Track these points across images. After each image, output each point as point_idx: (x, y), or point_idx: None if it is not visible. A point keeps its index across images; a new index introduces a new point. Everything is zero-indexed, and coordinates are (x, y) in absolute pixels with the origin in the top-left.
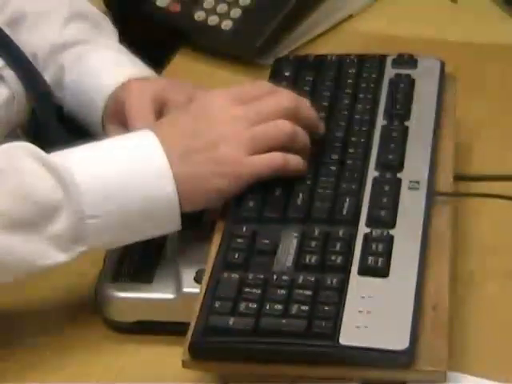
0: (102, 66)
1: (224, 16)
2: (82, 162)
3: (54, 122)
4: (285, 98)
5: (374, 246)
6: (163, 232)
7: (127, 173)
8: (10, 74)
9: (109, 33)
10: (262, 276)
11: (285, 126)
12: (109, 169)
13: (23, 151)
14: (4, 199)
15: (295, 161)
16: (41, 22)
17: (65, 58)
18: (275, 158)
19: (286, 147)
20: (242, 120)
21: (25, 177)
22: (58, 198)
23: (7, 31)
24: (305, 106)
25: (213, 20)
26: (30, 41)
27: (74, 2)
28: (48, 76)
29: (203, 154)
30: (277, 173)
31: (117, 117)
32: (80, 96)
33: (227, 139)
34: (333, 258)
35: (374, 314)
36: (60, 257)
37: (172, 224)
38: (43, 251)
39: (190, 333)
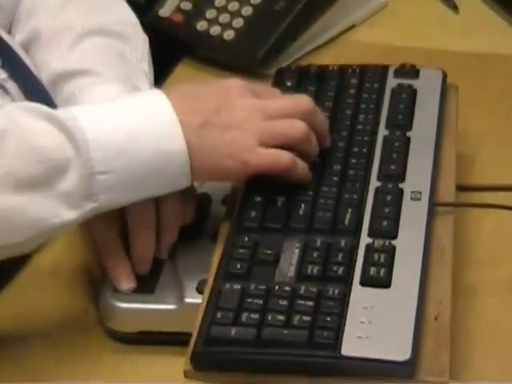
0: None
1: (226, 26)
2: (93, 117)
3: None
4: (304, 101)
5: (375, 257)
6: (174, 189)
7: (138, 129)
8: (13, 86)
9: (131, 48)
10: (263, 286)
11: (301, 127)
12: (120, 125)
13: (29, 110)
14: (11, 158)
15: (302, 165)
16: (52, 41)
17: (62, 92)
18: (284, 156)
19: (295, 149)
20: (261, 111)
21: (32, 134)
22: (67, 155)
23: (17, 48)
24: (320, 114)
25: (215, 30)
26: (40, 62)
27: (94, 14)
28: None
29: (218, 131)
30: (281, 172)
31: None
32: None
33: (243, 125)
34: (335, 268)
35: (376, 325)
36: (70, 214)
37: (183, 180)
38: (53, 209)
39: (191, 343)
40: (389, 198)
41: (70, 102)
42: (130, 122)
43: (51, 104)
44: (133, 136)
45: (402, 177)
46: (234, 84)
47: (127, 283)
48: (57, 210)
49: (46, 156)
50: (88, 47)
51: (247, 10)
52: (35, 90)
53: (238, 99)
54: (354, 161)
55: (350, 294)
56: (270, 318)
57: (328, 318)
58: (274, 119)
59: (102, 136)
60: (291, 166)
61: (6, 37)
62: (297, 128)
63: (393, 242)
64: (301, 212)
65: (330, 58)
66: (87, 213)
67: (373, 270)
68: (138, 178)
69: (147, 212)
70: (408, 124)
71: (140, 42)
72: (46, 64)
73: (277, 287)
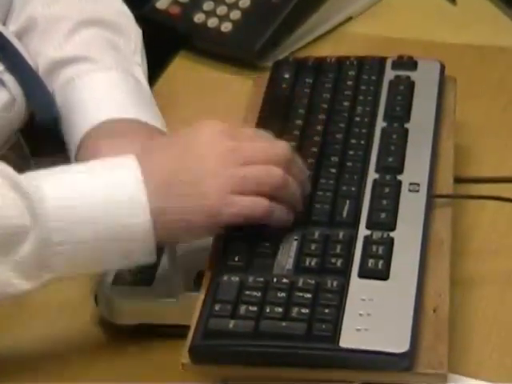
0: (86, 98)
1: (224, 18)
2: (55, 186)
3: (53, 127)
4: (282, 147)
5: (374, 249)
6: (137, 263)
7: (101, 200)
8: (10, 78)
9: (125, 40)
10: (262, 279)
11: (277, 175)
12: (81, 195)
13: None
14: None
15: (279, 211)
16: (48, 30)
17: (59, 78)
18: (259, 204)
19: (273, 195)
20: (234, 156)
21: None
22: (24, 224)
23: (13, 39)
24: (298, 161)
25: (212, 22)
26: (36, 51)
27: (89, 5)
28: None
29: (186, 187)
30: (258, 220)
31: None
32: (62, 125)
33: (214, 174)
34: (333, 260)
35: (375, 317)
36: (25, 285)
37: (147, 256)
38: (7, 278)
39: (190, 336)
40: (387, 189)
41: (68, 88)
42: (93, 192)
43: (48, 96)
44: (95, 208)
45: (400, 169)
46: (203, 131)
47: None
48: (11, 280)
49: (2, 222)
50: (84, 37)
51: (245, 2)
52: (32, 82)
53: (207, 148)
54: (351, 153)
55: (348, 286)
56: (268, 310)
57: (326, 311)
58: (249, 165)
59: (63, 205)
60: (266, 215)
61: (1, 28)
62: (273, 175)
63: (391, 234)
64: None
65: (327, 50)
66: (43, 282)
67: (371, 262)
68: (97, 250)
69: None
70: (406, 116)
71: (133, 35)
72: (42, 52)
73: (275, 280)
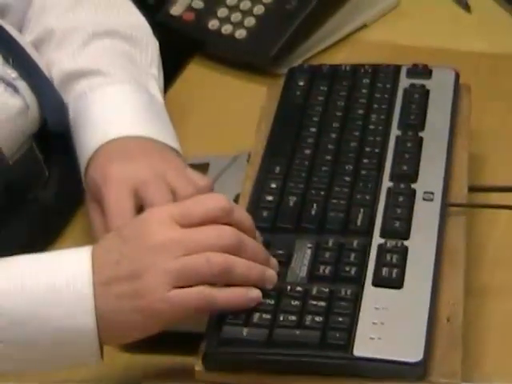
0: (97, 113)
1: (238, 25)
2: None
3: (67, 133)
4: (228, 232)
5: (388, 257)
6: (81, 363)
7: (41, 301)
8: (23, 85)
9: (141, 52)
10: (275, 287)
11: (216, 261)
12: (21, 294)
13: None
14: None
15: (225, 296)
16: (63, 41)
17: (72, 91)
18: (203, 294)
19: (220, 281)
20: (173, 248)
21: None
22: None
23: (27, 46)
24: (249, 242)
25: (227, 29)
26: (50, 62)
27: (105, 17)
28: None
29: (124, 284)
30: (206, 310)
31: (95, 198)
32: (73, 139)
33: (151, 269)
34: (347, 268)
35: (388, 326)
36: None
37: (91, 357)
38: None
39: (203, 343)
40: (401, 198)
41: (80, 102)
42: (33, 292)
43: (61, 103)
44: (32, 309)
45: (414, 177)
46: (144, 222)
47: None
48: None
49: None
50: (98, 48)
51: (259, 9)
52: (45, 89)
53: (146, 240)
54: (366, 161)
55: (362, 294)
56: (281, 318)
57: (340, 319)
58: (190, 253)
59: (4, 301)
60: (209, 304)
61: (16, 36)
62: (212, 263)
63: (405, 243)
64: (313, 212)
65: (341, 57)
66: None
67: (385, 271)
68: (36, 351)
69: (163, 187)
70: (420, 124)
71: (150, 46)
72: (56, 63)
73: (289, 287)
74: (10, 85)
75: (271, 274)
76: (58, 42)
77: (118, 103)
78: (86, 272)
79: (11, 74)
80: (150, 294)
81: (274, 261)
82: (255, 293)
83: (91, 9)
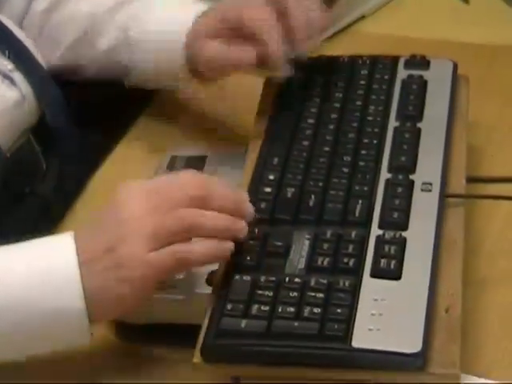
0: (172, 7)
1: None
2: None
3: (64, 125)
4: (191, 185)
5: (386, 248)
6: (71, 346)
7: (30, 285)
8: (19, 76)
9: None
10: (274, 278)
11: (188, 215)
12: (10, 280)
13: None
14: None
15: (198, 249)
16: None
17: (125, 15)
18: (178, 251)
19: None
20: (143, 215)
21: None
22: None
23: (23, 38)
24: (217, 191)
25: None
26: (79, 10)
27: None
28: (107, 40)
29: (104, 259)
30: (184, 266)
31: (213, 26)
32: (152, 42)
33: (128, 238)
34: (345, 260)
35: (387, 317)
36: None
37: (81, 338)
38: None
39: (201, 335)
40: (399, 189)
41: (133, 24)
42: (20, 277)
43: (58, 94)
44: (21, 294)
45: (412, 168)
46: (117, 197)
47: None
48: None
49: None
50: None
51: None
52: (42, 81)
53: (118, 213)
54: (364, 152)
55: (360, 285)
56: (280, 310)
57: (338, 310)
58: (161, 216)
59: None
60: (187, 257)
61: (13, 28)
62: (180, 219)
63: (403, 234)
64: (311, 203)
65: (339, 49)
66: None
67: (383, 262)
68: (28, 336)
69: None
70: (418, 115)
71: None
72: (92, 5)
73: (287, 279)
74: (6, 77)
75: (241, 225)
76: None
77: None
78: (71, 254)
79: (8, 65)
80: (129, 262)
81: (248, 208)
82: (228, 244)
83: None
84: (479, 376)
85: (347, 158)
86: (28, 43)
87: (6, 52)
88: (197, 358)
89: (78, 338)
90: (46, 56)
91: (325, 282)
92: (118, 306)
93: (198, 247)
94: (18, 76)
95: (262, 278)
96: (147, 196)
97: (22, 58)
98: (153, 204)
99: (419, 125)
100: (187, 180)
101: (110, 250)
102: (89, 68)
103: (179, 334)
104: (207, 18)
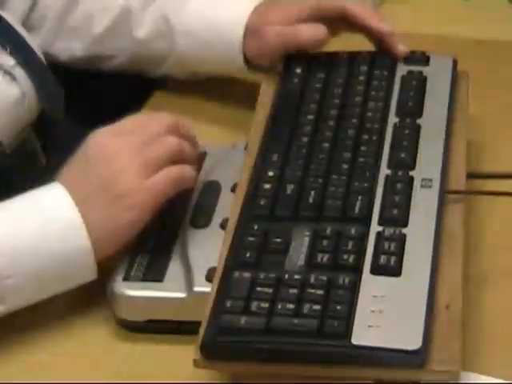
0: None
1: None
2: None
3: (64, 121)
4: (163, 117)
5: (386, 245)
6: (81, 283)
7: (41, 232)
8: (20, 73)
9: None
10: (273, 275)
11: (172, 141)
12: (17, 230)
13: None
14: None
15: (189, 169)
16: None
17: (162, 4)
18: (172, 172)
19: (175, 161)
20: (130, 149)
21: None
22: None
23: (24, 34)
24: (182, 123)
25: None
26: (111, 1)
27: None
28: (146, 28)
29: (103, 194)
30: (179, 185)
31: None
32: (202, 30)
33: (122, 172)
34: (345, 256)
35: (387, 314)
36: None
37: (89, 275)
38: None
39: (201, 332)
40: (399, 185)
41: (174, 12)
42: (30, 226)
43: (58, 90)
44: (35, 240)
45: (412, 164)
46: (95, 140)
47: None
48: None
49: None
50: None
51: None
52: (43, 77)
53: (104, 151)
54: (363, 148)
55: (360, 282)
56: (279, 306)
57: (338, 307)
58: (146, 147)
59: (3, 243)
60: (182, 176)
61: (14, 23)
62: (169, 144)
63: (403, 230)
64: (311, 200)
65: (338, 44)
66: None
67: (383, 259)
68: (42, 280)
69: None
70: (418, 111)
71: None
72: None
73: (287, 276)
74: (7, 73)
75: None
76: None
77: None
78: (64, 195)
79: (9, 61)
80: (130, 191)
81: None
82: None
83: None
84: (480, 373)
85: (347, 155)
86: (29, 39)
87: (7, 48)
88: (197, 354)
89: (86, 275)
90: (67, 48)
91: (324, 278)
92: (124, 232)
93: (188, 168)
94: (19, 72)
95: (262, 275)
96: (124, 133)
97: (22, 53)
98: (135, 138)
99: (419, 121)
100: (158, 114)
101: (104, 186)
102: (117, 58)
103: (179, 331)
104: (266, 8)
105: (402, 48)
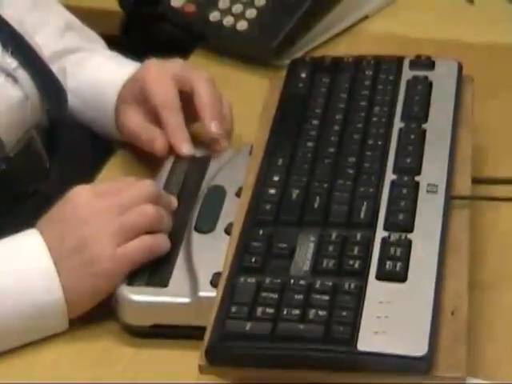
0: (108, 65)
1: (239, 17)
2: None
3: (68, 123)
4: (145, 185)
5: (391, 251)
6: (48, 334)
7: (11, 285)
8: (23, 74)
9: (101, 44)
10: (279, 280)
11: (150, 210)
12: None
13: None
14: None
15: (163, 239)
16: (39, 31)
17: (66, 62)
18: (146, 241)
19: (152, 229)
20: (107, 213)
21: None
22: None
23: (26, 35)
24: (162, 191)
25: (228, 21)
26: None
27: (68, 16)
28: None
29: (75, 257)
30: (151, 255)
31: (133, 96)
32: (87, 96)
33: (95, 236)
34: (350, 262)
35: (392, 320)
36: None
37: (60, 327)
38: None
39: (206, 337)
40: (405, 191)
41: (72, 75)
42: (3, 278)
43: (62, 91)
44: (6, 289)
45: (417, 170)
46: (73, 199)
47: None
48: None
49: None
50: (76, 35)
51: (260, 1)
52: (46, 79)
53: (81, 213)
54: (369, 153)
55: (365, 288)
56: (285, 312)
57: (344, 313)
58: (123, 214)
59: None
60: (155, 246)
61: (16, 26)
62: (146, 213)
63: (409, 236)
64: (316, 205)
65: (343, 48)
66: None
67: (389, 264)
68: (7, 331)
69: (172, 93)
70: (424, 116)
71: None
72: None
73: (292, 281)
74: (9, 75)
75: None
76: (32, 32)
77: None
78: (44, 250)
79: (11, 64)
80: (100, 258)
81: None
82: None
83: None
84: (486, 379)
85: (352, 159)
86: (31, 41)
87: (9, 49)
88: (201, 360)
89: (57, 328)
90: None
91: (330, 284)
92: (96, 296)
93: (162, 237)
94: (21, 74)
95: (267, 280)
96: (104, 196)
97: (25, 55)
98: (113, 202)
99: (424, 126)
100: (140, 181)
101: (77, 249)
102: None
103: (183, 336)
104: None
105: (221, 146)
